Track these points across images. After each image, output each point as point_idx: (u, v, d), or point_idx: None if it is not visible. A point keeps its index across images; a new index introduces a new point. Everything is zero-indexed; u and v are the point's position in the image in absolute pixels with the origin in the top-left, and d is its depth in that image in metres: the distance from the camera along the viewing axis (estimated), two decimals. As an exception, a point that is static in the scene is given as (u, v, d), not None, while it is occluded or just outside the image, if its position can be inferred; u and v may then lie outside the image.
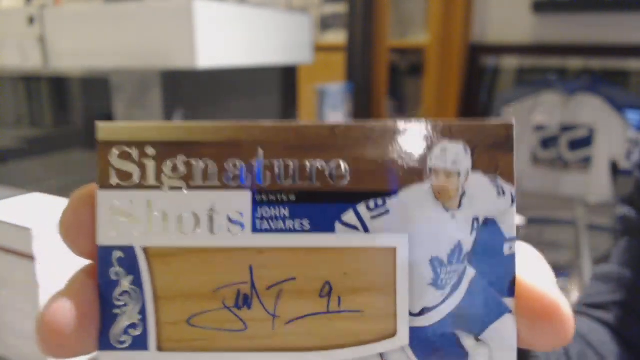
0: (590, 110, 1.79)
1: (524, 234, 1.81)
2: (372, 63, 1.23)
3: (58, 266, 0.56)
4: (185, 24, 0.77)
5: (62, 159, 1.16)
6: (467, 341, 0.14)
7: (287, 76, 1.15)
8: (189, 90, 0.90)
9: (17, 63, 0.96)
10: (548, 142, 1.87)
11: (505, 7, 1.93)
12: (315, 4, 2.07)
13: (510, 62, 1.99)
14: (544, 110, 1.86)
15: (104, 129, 0.14)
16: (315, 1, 2.07)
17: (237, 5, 0.89)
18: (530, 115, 1.89)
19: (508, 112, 1.92)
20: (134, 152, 0.13)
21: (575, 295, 1.30)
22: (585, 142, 1.80)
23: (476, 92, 2.01)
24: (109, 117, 0.91)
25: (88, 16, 0.87)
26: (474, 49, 1.98)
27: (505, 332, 0.13)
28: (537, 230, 1.86)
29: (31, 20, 0.92)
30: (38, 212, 0.56)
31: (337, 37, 2.02)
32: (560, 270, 1.76)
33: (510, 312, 0.14)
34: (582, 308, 0.40)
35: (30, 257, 0.54)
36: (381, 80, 1.28)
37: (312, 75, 1.73)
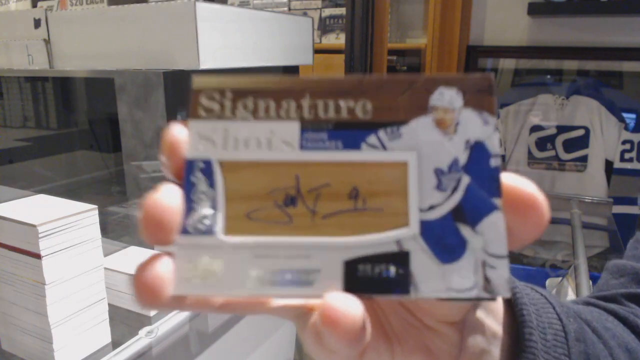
0: (586, 111, 1.80)
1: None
2: (371, 65, 1.25)
3: (63, 264, 0.57)
4: (188, 27, 0.78)
5: (67, 160, 1.18)
6: (465, 231, 0.17)
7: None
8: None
9: (23, 65, 0.98)
10: (544, 143, 1.88)
11: (501, 10, 1.95)
12: (315, 7, 2.09)
13: (507, 64, 2.01)
14: (540, 111, 1.88)
15: (197, 81, 0.18)
16: (316, 4, 2.10)
17: (238, 7, 0.91)
18: (527, 116, 1.90)
19: (505, 114, 1.94)
20: (217, 95, 0.18)
21: (571, 293, 1.31)
22: (580, 142, 1.82)
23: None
24: (113, 117, 0.93)
25: (92, 19, 0.89)
26: (472, 50, 2.00)
27: (495, 225, 0.17)
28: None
29: (37, 23, 0.94)
30: (44, 212, 0.57)
31: (337, 39, 2.04)
32: (557, 269, 1.78)
33: (498, 209, 0.17)
34: (593, 300, 0.38)
35: (36, 255, 0.55)
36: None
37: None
